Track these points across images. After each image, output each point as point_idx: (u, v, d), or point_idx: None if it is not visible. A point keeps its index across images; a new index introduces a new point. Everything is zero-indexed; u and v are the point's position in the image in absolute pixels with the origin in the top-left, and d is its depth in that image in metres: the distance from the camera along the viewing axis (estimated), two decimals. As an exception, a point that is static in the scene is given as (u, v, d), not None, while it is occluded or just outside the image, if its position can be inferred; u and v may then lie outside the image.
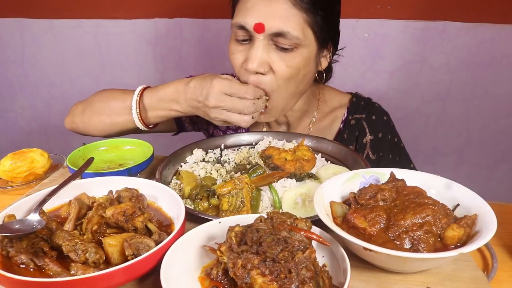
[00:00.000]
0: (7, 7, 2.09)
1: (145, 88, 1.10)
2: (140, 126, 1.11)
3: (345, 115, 1.25)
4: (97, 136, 1.21)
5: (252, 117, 1.01)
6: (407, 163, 1.26)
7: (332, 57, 1.15)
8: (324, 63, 1.13)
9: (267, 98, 1.04)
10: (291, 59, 1.00)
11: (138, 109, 1.08)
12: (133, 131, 1.17)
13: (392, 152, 1.24)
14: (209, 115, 1.01)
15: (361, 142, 1.23)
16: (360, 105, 1.26)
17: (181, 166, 1.04)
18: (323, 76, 1.17)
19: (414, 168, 1.27)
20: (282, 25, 0.96)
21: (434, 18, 1.82)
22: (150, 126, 1.13)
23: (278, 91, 1.04)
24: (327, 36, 1.07)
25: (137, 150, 1.09)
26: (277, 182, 0.91)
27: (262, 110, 1.05)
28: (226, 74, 1.06)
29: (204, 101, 0.99)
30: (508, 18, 1.78)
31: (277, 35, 0.97)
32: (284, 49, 0.99)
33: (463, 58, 1.87)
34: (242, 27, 1.00)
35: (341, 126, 1.25)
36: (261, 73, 1.01)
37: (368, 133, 1.22)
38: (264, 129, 1.28)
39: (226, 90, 0.97)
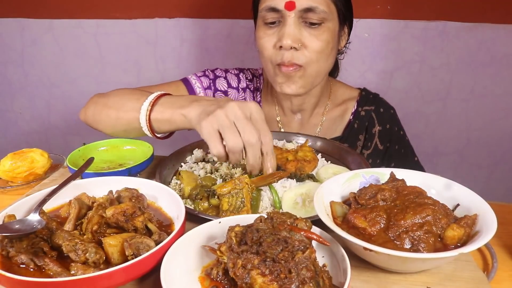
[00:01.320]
0: (7, 7, 2.09)
1: (166, 94, 1.00)
2: (145, 127, 0.97)
3: (355, 107, 1.32)
4: (104, 133, 1.13)
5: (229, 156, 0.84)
6: (412, 156, 1.33)
7: (349, 37, 1.24)
8: (342, 42, 1.22)
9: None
10: (320, 33, 1.09)
11: (149, 107, 0.95)
12: (138, 133, 1.03)
13: (398, 143, 1.30)
14: (213, 112, 0.82)
15: (370, 132, 1.29)
16: (369, 98, 1.33)
17: (181, 166, 1.04)
18: (340, 56, 1.28)
19: (418, 161, 1.34)
20: (310, 1, 1.05)
21: (434, 18, 1.82)
22: (158, 135, 1.01)
23: (311, 64, 1.11)
24: (347, 13, 1.17)
25: (137, 150, 1.10)
26: (277, 182, 0.91)
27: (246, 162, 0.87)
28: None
29: (222, 103, 0.84)
30: (508, 18, 1.77)
31: (306, 11, 1.06)
32: (312, 25, 1.08)
33: (463, 58, 1.87)
34: (273, 9, 1.07)
35: (351, 117, 1.32)
36: (295, 49, 1.08)
37: (377, 124, 1.29)
38: (278, 118, 1.34)
39: (254, 112, 0.83)
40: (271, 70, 1.15)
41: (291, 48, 1.07)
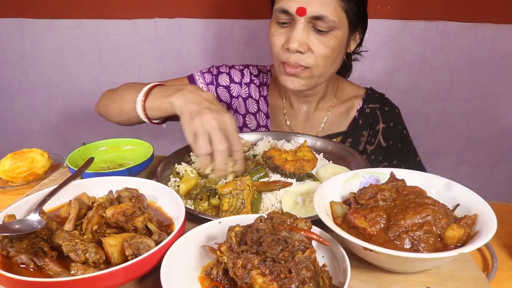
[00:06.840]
0: (7, 7, 2.09)
1: (160, 85, 1.10)
2: (142, 115, 1.07)
3: (361, 104, 1.35)
4: (113, 122, 1.25)
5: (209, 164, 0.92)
6: (413, 155, 1.36)
7: (361, 42, 1.27)
8: (352, 46, 1.25)
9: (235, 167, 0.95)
10: (327, 40, 1.12)
11: (143, 98, 1.05)
12: (139, 120, 1.12)
13: (400, 142, 1.33)
14: (194, 118, 0.92)
15: (374, 129, 1.32)
16: (375, 96, 1.36)
17: (181, 164, 1.03)
18: (350, 57, 1.30)
19: (420, 161, 1.36)
20: (321, 9, 1.08)
21: (434, 18, 1.81)
22: (154, 121, 1.10)
23: (316, 67, 1.15)
24: (359, 21, 1.19)
25: (137, 150, 1.10)
26: (279, 190, 0.90)
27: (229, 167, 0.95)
28: None
29: (208, 102, 0.94)
30: (508, 18, 1.77)
31: (316, 19, 1.09)
32: (321, 31, 1.11)
33: (463, 58, 1.87)
34: (285, 11, 1.11)
35: (356, 114, 1.35)
36: (300, 52, 1.12)
37: (381, 122, 1.32)
38: (284, 111, 1.37)
39: (228, 124, 0.92)
40: (277, 66, 1.21)
41: (297, 51, 1.11)
